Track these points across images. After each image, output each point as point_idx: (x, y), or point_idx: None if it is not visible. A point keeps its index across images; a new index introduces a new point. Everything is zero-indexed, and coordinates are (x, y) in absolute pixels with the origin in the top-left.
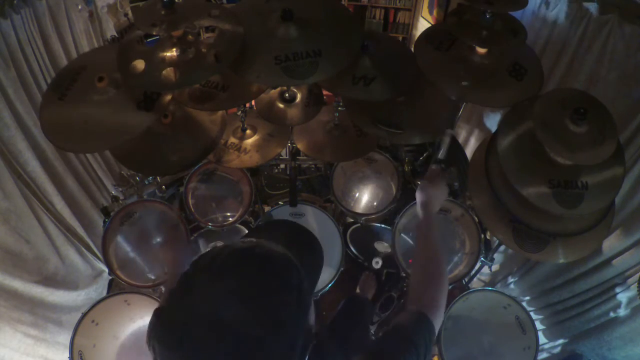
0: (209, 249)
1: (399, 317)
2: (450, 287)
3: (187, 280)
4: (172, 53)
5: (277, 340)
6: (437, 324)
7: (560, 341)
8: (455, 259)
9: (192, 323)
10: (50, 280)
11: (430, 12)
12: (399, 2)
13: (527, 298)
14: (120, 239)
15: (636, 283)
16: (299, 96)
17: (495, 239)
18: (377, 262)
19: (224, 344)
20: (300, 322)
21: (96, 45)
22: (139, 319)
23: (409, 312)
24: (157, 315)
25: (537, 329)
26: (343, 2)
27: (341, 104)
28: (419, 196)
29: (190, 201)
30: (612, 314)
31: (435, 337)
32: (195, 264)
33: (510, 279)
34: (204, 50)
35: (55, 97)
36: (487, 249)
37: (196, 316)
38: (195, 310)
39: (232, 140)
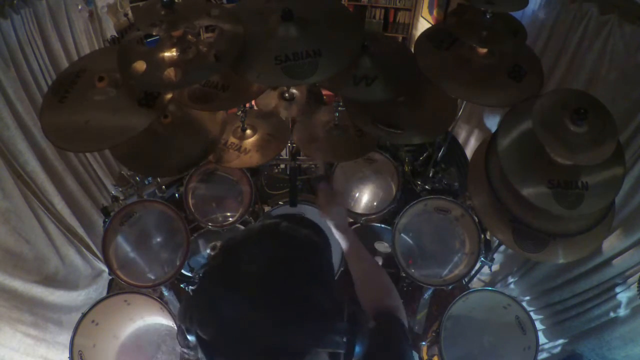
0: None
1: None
2: (450, 287)
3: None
4: (172, 53)
5: (320, 289)
6: (404, 318)
7: (560, 341)
8: (455, 259)
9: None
10: (50, 280)
11: (430, 12)
12: (399, 2)
13: (527, 298)
14: (120, 239)
15: (636, 283)
16: (299, 96)
17: (495, 239)
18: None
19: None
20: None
21: (96, 45)
22: (139, 319)
23: (384, 321)
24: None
25: (537, 329)
26: (343, 2)
27: (341, 104)
28: (329, 220)
29: (190, 201)
30: (612, 314)
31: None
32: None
33: (510, 279)
34: (204, 50)
35: (55, 100)
36: (487, 249)
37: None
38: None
39: (232, 140)
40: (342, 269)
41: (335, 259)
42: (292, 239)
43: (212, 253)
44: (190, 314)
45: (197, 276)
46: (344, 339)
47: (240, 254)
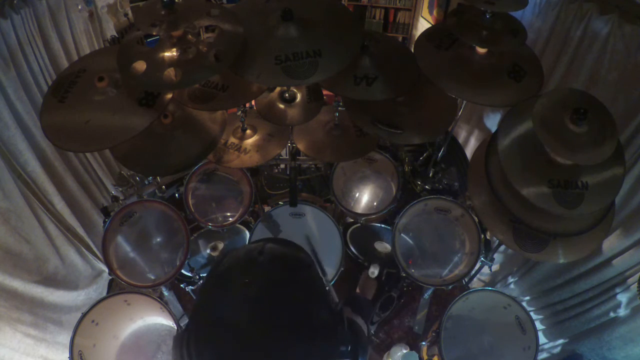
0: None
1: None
2: (450, 287)
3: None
4: (172, 53)
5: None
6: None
7: (560, 341)
8: (455, 259)
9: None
10: (50, 280)
11: (430, 12)
12: (399, 2)
13: (527, 298)
14: (120, 239)
15: (636, 283)
16: (299, 96)
17: (495, 239)
18: (372, 273)
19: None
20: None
21: (96, 45)
22: (139, 319)
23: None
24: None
25: (537, 329)
26: (343, 2)
27: (341, 104)
28: None
29: (190, 201)
30: (612, 314)
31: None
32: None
33: (510, 279)
34: (204, 50)
35: (55, 100)
36: (487, 249)
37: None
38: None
39: (232, 140)
40: (342, 269)
41: (335, 260)
42: (281, 259)
43: (199, 284)
44: (187, 343)
45: (196, 277)
46: (348, 348)
47: (233, 282)
